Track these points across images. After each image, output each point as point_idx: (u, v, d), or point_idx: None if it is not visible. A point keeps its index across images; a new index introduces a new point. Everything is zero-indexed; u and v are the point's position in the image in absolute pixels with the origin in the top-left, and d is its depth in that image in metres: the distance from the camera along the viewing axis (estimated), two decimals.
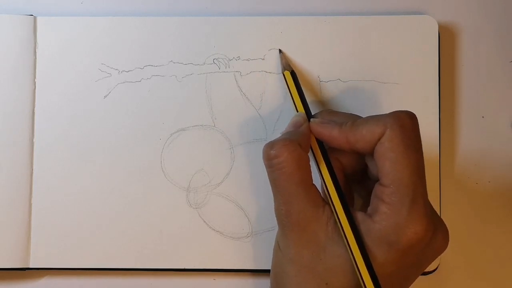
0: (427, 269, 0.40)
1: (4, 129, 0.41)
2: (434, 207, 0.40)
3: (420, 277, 0.41)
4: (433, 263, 0.40)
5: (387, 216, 0.33)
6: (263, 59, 0.42)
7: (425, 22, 0.42)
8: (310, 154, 0.36)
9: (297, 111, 0.38)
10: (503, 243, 0.43)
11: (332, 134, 0.35)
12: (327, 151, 0.36)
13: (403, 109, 0.35)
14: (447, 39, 0.43)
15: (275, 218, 0.36)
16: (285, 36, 0.42)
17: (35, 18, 0.42)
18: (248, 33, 0.42)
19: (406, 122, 0.34)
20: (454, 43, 0.44)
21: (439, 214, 0.41)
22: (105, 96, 0.42)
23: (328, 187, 0.35)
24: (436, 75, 0.42)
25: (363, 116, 0.37)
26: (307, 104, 0.38)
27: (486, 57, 0.43)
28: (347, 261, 0.33)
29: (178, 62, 0.42)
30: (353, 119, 0.35)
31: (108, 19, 0.42)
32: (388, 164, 0.33)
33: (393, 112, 0.34)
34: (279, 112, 0.42)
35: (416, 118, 0.34)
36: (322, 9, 0.44)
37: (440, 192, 0.41)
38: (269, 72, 0.42)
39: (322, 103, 0.42)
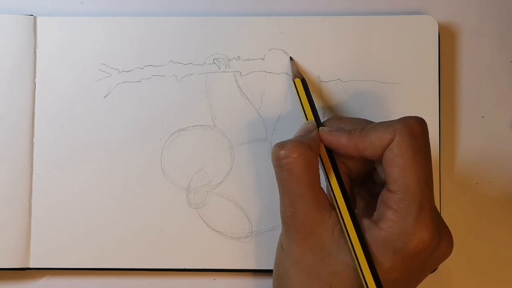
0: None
1: (4, 129, 0.41)
2: None
3: None
4: None
5: (393, 223, 0.33)
6: (263, 59, 0.42)
7: (425, 22, 0.42)
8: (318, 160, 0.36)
9: (307, 119, 0.38)
10: (503, 243, 0.43)
11: (341, 141, 0.35)
12: (334, 157, 0.36)
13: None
14: (447, 39, 0.43)
15: (279, 218, 0.36)
16: (285, 36, 0.42)
17: (35, 18, 0.42)
18: (248, 33, 0.42)
19: (416, 128, 0.33)
20: (454, 43, 0.44)
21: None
22: (105, 96, 0.42)
23: (335, 194, 0.35)
24: (436, 75, 0.42)
25: (370, 119, 0.37)
26: (317, 112, 0.38)
27: (486, 57, 0.43)
28: (352, 267, 0.33)
29: (178, 62, 0.42)
30: (362, 125, 0.35)
31: (108, 19, 0.42)
32: (397, 170, 0.33)
33: (403, 118, 0.34)
34: (279, 112, 0.42)
35: (426, 124, 0.34)
36: (322, 9, 0.44)
37: (440, 192, 0.41)
38: (269, 72, 0.42)
39: (322, 103, 0.42)
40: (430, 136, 0.34)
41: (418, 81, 0.42)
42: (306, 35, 0.42)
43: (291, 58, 0.42)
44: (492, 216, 0.43)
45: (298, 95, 0.39)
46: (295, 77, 0.39)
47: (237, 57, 0.42)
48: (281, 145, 0.34)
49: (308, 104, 0.38)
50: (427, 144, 0.34)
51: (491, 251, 0.43)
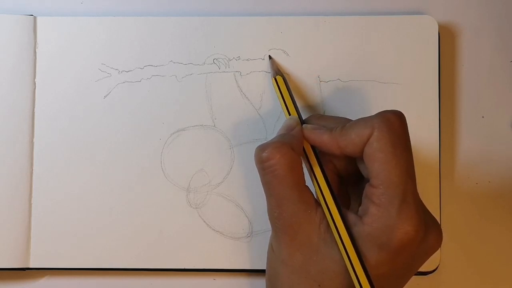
0: (427, 269, 0.41)
1: (4, 129, 0.41)
2: (434, 207, 0.40)
3: (420, 277, 0.41)
4: (433, 263, 0.40)
5: (376, 218, 0.33)
6: (263, 59, 0.42)
7: (425, 22, 0.42)
8: (302, 157, 0.36)
9: (289, 115, 0.38)
10: (503, 243, 0.43)
11: (323, 139, 0.35)
12: (319, 153, 0.36)
13: (392, 109, 0.34)
14: (447, 39, 0.43)
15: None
16: (285, 36, 0.42)
17: (35, 18, 0.42)
18: (248, 33, 0.42)
19: (393, 122, 0.33)
20: (454, 43, 0.44)
21: (439, 214, 0.41)
22: (105, 96, 0.42)
23: (322, 189, 0.35)
24: (436, 75, 0.42)
25: (355, 118, 0.36)
26: (298, 109, 0.38)
27: (486, 57, 0.43)
28: (339, 263, 0.33)
29: (178, 62, 0.42)
30: (343, 124, 0.35)
31: (108, 19, 0.42)
32: (377, 164, 0.33)
33: (380, 112, 0.34)
34: (279, 112, 0.42)
35: (404, 116, 0.34)
36: (322, 9, 0.44)
37: (440, 192, 0.41)
38: (269, 72, 0.42)
39: (322, 103, 0.42)
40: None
41: (418, 81, 0.42)
42: (306, 35, 0.42)
43: (270, 57, 0.42)
44: (492, 216, 0.43)
45: (280, 92, 0.39)
46: (276, 75, 0.39)
47: (237, 57, 0.42)
48: (263, 147, 0.34)
49: (290, 100, 0.38)
50: (406, 137, 0.34)
51: (491, 251, 0.43)
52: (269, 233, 0.37)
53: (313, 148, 0.36)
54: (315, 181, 0.35)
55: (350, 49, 0.42)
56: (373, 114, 0.35)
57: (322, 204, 0.35)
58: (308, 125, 0.36)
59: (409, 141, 0.34)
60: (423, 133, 0.41)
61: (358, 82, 0.42)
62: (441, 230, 0.35)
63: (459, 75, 0.44)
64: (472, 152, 0.43)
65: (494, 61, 0.43)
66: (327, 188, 0.35)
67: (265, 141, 0.39)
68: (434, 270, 0.41)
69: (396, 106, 0.41)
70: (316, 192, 0.35)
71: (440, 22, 0.42)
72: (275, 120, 0.42)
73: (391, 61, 0.42)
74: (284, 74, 0.42)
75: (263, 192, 0.36)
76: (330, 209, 0.34)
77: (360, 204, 0.35)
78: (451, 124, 0.43)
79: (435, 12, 0.43)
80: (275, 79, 0.39)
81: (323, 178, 0.35)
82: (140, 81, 0.42)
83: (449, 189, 0.42)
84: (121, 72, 0.42)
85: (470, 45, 0.44)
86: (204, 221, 0.41)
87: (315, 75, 0.42)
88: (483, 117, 0.43)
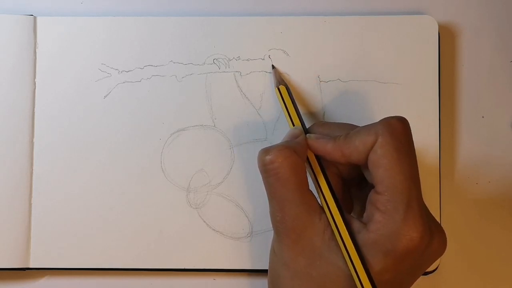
0: (427, 269, 0.41)
1: (4, 129, 0.41)
2: (434, 207, 0.41)
3: (420, 277, 0.41)
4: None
5: (381, 225, 0.32)
6: (263, 59, 0.42)
7: (425, 22, 0.42)
8: (306, 165, 0.36)
9: (293, 125, 0.38)
10: (503, 243, 0.43)
11: (327, 148, 0.35)
12: (323, 160, 0.36)
13: (395, 114, 0.34)
14: (447, 39, 0.43)
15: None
16: (285, 36, 0.42)
17: (35, 18, 0.42)
18: (248, 33, 0.42)
19: (397, 128, 0.33)
20: (454, 43, 0.44)
21: (439, 214, 0.41)
22: (105, 96, 0.42)
23: (325, 197, 0.35)
24: (436, 75, 0.42)
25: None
26: (302, 118, 0.38)
27: (486, 57, 0.43)
28: (343, 269, 0.33)
29: (178, 62, 0.42)
30: (347, 131, 0.35)
31: (108, 19, 0.42)
32: (382, 171, 0.33)
33: (384, 118, 0.34)
34: (279, 112, 0.42)
35: (407, 122, 0.34)
36: (322, 9, 0.44)
37: (440, 192, 0.41)
38: (269, 72, 0.42)
39: (322, 103, 0.42)
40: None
41: (418, 81, 0.42)
42: (306, 35, 0.42)
43: (273, 66, 0.42)
44: (492, 216, 0.43)
45: (284, 101, 0.39)
46: (279, 84, 0.39)
47: (237, 57, 0.42)
48: (266, 151, 0.34)
49: (294, 110, 0.38)
50: (410, 142, 0.34)
51: (491, 251, 0.43)
52: (269, 233, 0.37)
53: (317, 156, 0.36)
54: (319, 189, 0.35)
55: (350, 49, 0.42)
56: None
57: (326, 212, 0.35)
58: (312, 135, 0.36)
59: (413, 146, 0.34)
60: (423, 133, 0.41)
61: (358, 82, 0.42)
62: (445, 235, 0.35)
63: (459, 75, 0.44)
64: (472, 152, 0.43)
65: (494, 61, 0.43)
66: (331, 197, 0.35)
67: (265, 142, 0.39)
68: (434, 270, 0.41)
69: (396, 106, 0.42)
70: (320, 200, 0.35)
71: (440, 22, 0.42)
72: (275, 120, 0.42)
73: (391, 61, 0.42)
74: (284, 74, 0.42)
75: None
76: (335, 218, 0.34)
77: (362, 207, 0.35)
78: (451, 124, 0.43)
79: (435, 12, 0.43)
80: (279, 89, 0.39)
81: (327, 187, 0.35)
82: (140, 81, 0.42)
83: (449, 189, 0.42)
84: (121, 72, 0.42)
85: (470, 45, 0.44)
86: (204, 221, 0.41)
87: (315, 75, 0.42)
88: (483, 117, 0.43)
